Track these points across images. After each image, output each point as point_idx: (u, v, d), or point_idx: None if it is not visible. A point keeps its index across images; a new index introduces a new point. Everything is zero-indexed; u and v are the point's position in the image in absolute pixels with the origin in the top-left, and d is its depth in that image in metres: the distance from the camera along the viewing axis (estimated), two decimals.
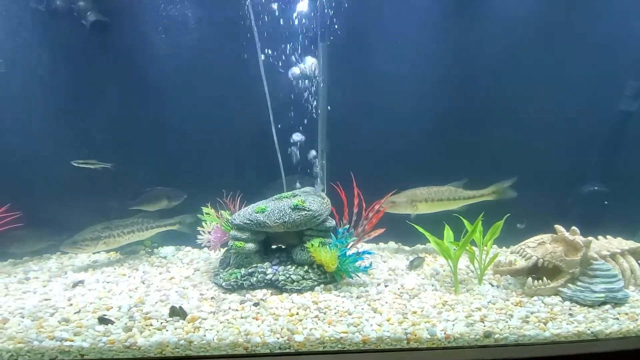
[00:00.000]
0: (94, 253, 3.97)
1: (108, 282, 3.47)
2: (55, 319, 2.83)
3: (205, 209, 3.67)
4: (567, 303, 3.11)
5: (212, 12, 3.78)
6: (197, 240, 3.72)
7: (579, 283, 3.15)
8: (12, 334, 2.65)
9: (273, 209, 3.36)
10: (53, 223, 3.97)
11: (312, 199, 3.44)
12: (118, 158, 3.95)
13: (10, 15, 3.56)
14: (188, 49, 3.85)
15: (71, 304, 3.06)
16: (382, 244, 4.41)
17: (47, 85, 3.79)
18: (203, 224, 3.69)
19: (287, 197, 3.48)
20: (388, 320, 2.86)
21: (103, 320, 2.79)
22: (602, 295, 3.06)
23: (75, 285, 3.39)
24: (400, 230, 3.71)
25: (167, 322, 2.81)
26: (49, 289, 3.36)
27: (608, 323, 2.88)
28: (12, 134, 3.82)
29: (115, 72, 3.86)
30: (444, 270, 3.69)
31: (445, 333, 2.74)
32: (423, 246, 4.29)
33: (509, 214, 3.36)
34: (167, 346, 2.63)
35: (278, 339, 2.67)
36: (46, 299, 3.14)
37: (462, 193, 3.94)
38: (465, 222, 3.47)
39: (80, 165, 3.61)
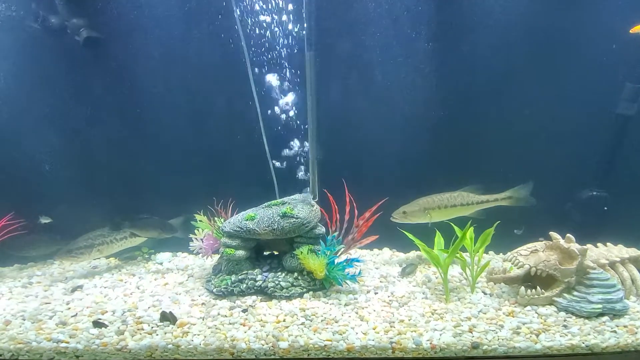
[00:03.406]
0: (94, 260, 4.09)
1: (105, 287, 3.59)
2: (54, 322, 2.96)
3: (198, 216, 3.75)
4: (562, 314, 3.00)
5: (200, 25, 3.88)
6: (189, 247, 3.81)
7: (575, 293, 3.04)
8: (13, 335, 2.79)
9: (262, 216, 3.41)
10: (61, 228, 4.11)
11: (301, 207, 3.47)
12: (117, 165, 4.14)
13: (7, 33, 3.78)
14: (180, 57, 3.97)
15: (69, 308, 3.19)
16: (376, 250, 4.38)
17: (46, 97, 3.99)
18: (195, 231, 3.77)
19: (276, 205, 3.53)
20: (374, 329, 2.84)
21: (97, 324, 2.90)
22: (600, 306, 2.93)
23: (74, 290, 3.53)
24: (395, 236, 3.66)
25: (158, 326, 2.89)
26: (49, 293, 3.51)
27: (605, 336, 2.76)
28: (19, 144, 4.03)
29: (111, 82, 4.01)
30: (436, 278, 3.63)
31: (431, 343, 2.70)
32: (417, 253, 4.23)
33: (499, 222, 3.28)
34: (156, 350, 2.70)
35: (263, 345, 2.71)
36: (46, 303, 3.28)
37: (475, 198, 3.78)
38: (456, 228, 3.41)
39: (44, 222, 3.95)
